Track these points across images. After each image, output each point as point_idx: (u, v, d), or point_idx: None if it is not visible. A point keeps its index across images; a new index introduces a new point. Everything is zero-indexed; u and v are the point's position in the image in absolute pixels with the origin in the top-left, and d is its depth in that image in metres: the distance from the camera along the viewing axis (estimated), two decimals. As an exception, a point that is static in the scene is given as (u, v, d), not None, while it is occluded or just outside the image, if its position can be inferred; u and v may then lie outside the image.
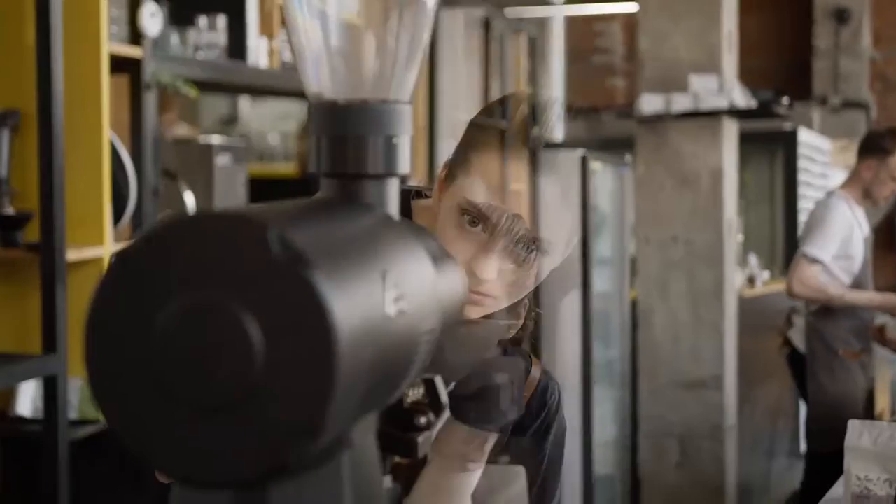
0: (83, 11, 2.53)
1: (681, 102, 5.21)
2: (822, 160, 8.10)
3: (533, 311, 1.41)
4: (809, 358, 4.65)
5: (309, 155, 0.85)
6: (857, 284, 4.59)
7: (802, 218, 7.41)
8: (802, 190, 7.50)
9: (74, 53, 2.51)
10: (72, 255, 2.45)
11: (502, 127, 1.31)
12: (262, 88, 3.75)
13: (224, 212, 0.64)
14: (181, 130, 4.06)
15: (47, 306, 2.34)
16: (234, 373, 0.61)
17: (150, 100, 2.76)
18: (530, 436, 1.45)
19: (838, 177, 8.92)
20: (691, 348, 4.94)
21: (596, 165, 5.45)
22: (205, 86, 3.39)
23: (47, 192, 2.38)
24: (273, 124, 5.91)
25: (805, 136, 7.60)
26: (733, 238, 5.65)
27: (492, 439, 1.30)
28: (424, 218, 1.40)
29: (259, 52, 3.28)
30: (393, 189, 0.84)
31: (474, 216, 1.29)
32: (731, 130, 5.60)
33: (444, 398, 0.92)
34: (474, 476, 1.28)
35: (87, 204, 2.53)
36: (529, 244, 1.29)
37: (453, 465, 1.26)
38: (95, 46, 2.53)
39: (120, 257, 0.64)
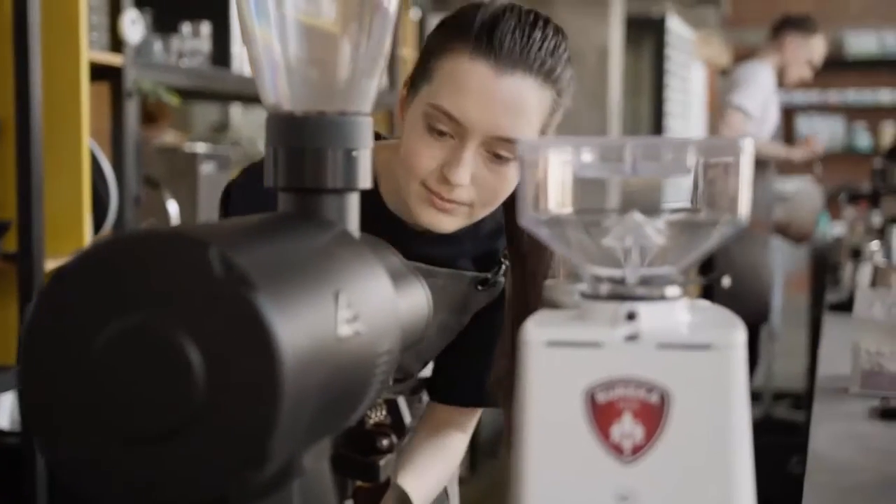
0: (62, 18, 2.50)
1: None
2: (687, 50, 8.11)
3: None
4: None
5: (266, 168, 0.82)
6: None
7: (669, 108, 7.41)
8: (667, 79, 7.46)
9: (53, 61, 2.48)
10: (50, 264, 2.42)
11: (461, 31, 1.27)
12: (247, 96, 3.72)
13: (165, 230, 0.61)
14: (170, 138, 4.03)
15: (25, 318, 2.29)
16: (174, 399, 0.58)
17: (132, 107, 2.73)
18: None
19: (699, 69, 8.98)
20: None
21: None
22: (189, 93, 3.36)
23: (25, 201, 2.35)
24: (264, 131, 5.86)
25: (673, 25, 7.50)
26: (617, 123, 5.66)
27: None
28: (384, 155, 1.37)
29: (244, 59, 3.25)
30: (353, 203, 0.81)
31: (440, 120, 1.25)
32: (618, 7, 5.60)
33: (408, 419, 0.89)
34: None
35: (67, 213, 2.49)
36: (501, 145, 1.26)
37: None
38: (75, 54, 2.50)
39: (56, 277, 0.61)
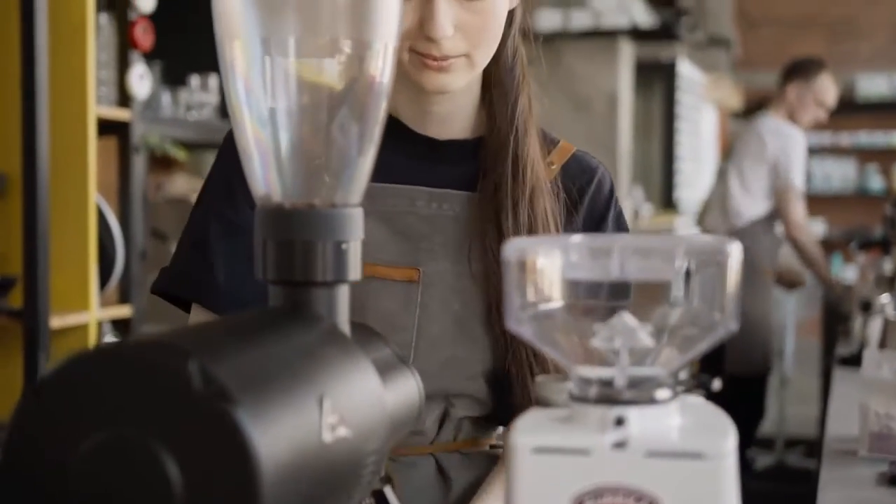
0: (70, 73, 2.51)
1: (580, 19, 5.19)
2: (697, 93, 8.13)
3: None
4: None
5: (256, 261, 0.82)
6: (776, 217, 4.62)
7: (679, 151, 7.43)
8: (677, 123, 7.48)
9: (61, 116, 2.49)
10: (56, 321, 2.42)
11: None
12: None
13: (144, 340, 0.60)
14: (183, 182, 4.04)
15: (30, 376, 2.30)
16: (152, 515, 0.57)
17: (139, 162, 2.73)
18: None
19: (710, 111, 9.02)
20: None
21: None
22: (197, 145, 3.37)
23: (31, 257, 2.35)
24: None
25: (683, 69, 7.55)
26: (627, 169, 5.64)
27: None
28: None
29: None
30: (343, 296, 0.80)
31: None
32: (627, 54, 5.59)
33: (399, 510, 0.88)
34: None
35: (73, 269, 2.49)
36: None
37: None
38: (82, 109, 2.51)
39: (33, 390, 0.60)
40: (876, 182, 10.31)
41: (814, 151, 10.30)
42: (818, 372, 5.60)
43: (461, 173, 1.33)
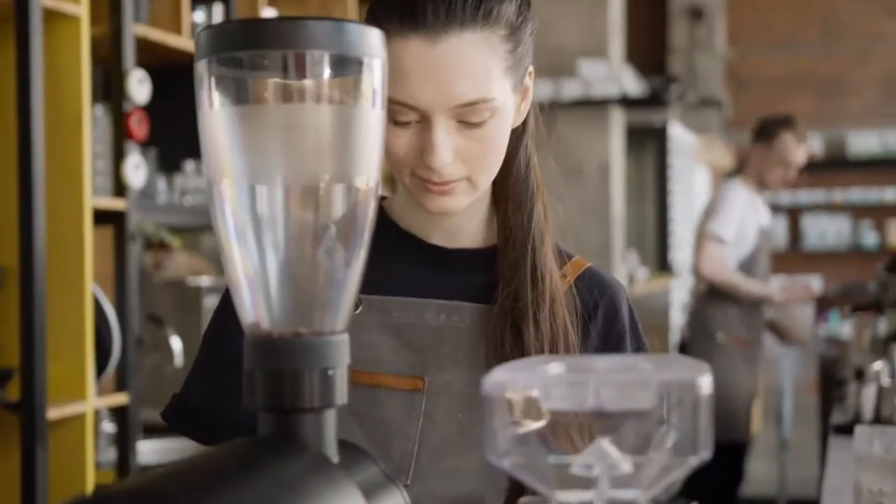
0: (66, 165, 2.55)
1: (571, 89, 5.23)
2: (690, 156, 8.18)
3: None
4: (688, 345, 4.69)
5: (245, 388, 0.84)
6: (744, 270, 4.62)
7: (673, 213, 7.47)
8: (670, 185, 7.53)
9: (58, 208, 2.52)
10: (53, 412, 2.43)
11: (385, 15, 1.19)
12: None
13: (124, 489, 0.62)
14: (182, 260, 4.06)
15: (27, 469, 2.31)
16: None
17: (134, 250, 2.76)
18: None
19: (703, 173, 9.07)
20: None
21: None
22: (193, 229, 3.40)
23: (28, 349, 2.37)
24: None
25: (675, 132, 7.61)
26: (621, 235, 5.66)
27: None
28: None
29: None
30: (330, 421, 0.83)
31: (399, 112, 1.18)
32: (618, 121, 5.63)
33: None
34: None
35: (70, 359, 2.51)
36: (467, 112, 1.19)
37: None
38: (79, 200, 2.54)
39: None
40: (870, 238, 10.37)
41: (808, 208, 10.37)
42: (817, 433, 5.60)
43: (473, 283, 1.33)
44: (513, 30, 1.23)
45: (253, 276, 0.84)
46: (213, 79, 0.81)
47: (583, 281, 1.36)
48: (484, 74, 1.19)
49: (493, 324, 1.29)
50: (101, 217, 2.69)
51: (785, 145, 4.65)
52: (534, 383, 0.72)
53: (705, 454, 0.70)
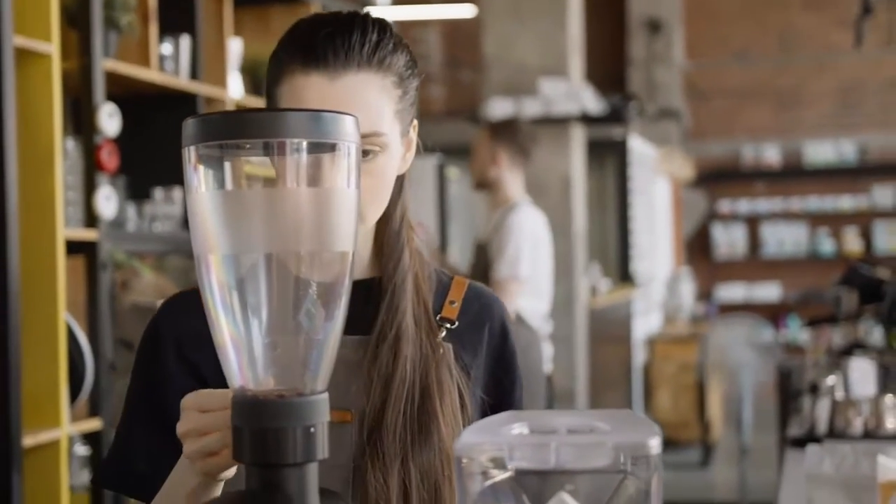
0: (39, 197, 2.60)
1: (531, 107, 5.28)
2: (650, 167, 8.30)
3: None
4: None
5: (234, 444, 0.91)
6: None
7: (634, 225, 7.58)
8: (631, 197, 7.64)
9: (31, 238, 2.57)
10: (28, 439, 2.48)
11: (288, 53, 1.27)
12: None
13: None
14: (149, 279, 4.09)
15: (3, 495, 2.36)
16: None
17: (105, 278, 2.81)
18: None
19: (663, 183, 9.18)
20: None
21: (453, 173, 5.36)
22: (162, 254, 3.45)
23: (3, 379, 2.41)
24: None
25: (635, 144, 7.73)
26: (583, 249, 5.74)
27: None
28: None
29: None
30: (312, 473, 0.90)
31: None
32: (579, 138, 5.69)
33: None
34: None
35: (44, 386, 2.56)
36: (365, 137, 1.20)
37: None
38: (51, 231, 2.59)
39: None
40: (827, 245, 10.53)
41: (766, 217, 10.52)
42: (777, 440, 5.70)
43: (354, 315, 1.38)
44: (402, 79, 1.31)
45: (238, 342, 0.91)
46: (199, 164, 0.88)
47: (468, 300, 1.41)
48: (377, 110, 1.28)
49: (370, 354, 1.31)
50: (73, 247, 2.74)
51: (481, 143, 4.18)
52: (501, 444, 0.79)
53: (655, 507, 0.78)
